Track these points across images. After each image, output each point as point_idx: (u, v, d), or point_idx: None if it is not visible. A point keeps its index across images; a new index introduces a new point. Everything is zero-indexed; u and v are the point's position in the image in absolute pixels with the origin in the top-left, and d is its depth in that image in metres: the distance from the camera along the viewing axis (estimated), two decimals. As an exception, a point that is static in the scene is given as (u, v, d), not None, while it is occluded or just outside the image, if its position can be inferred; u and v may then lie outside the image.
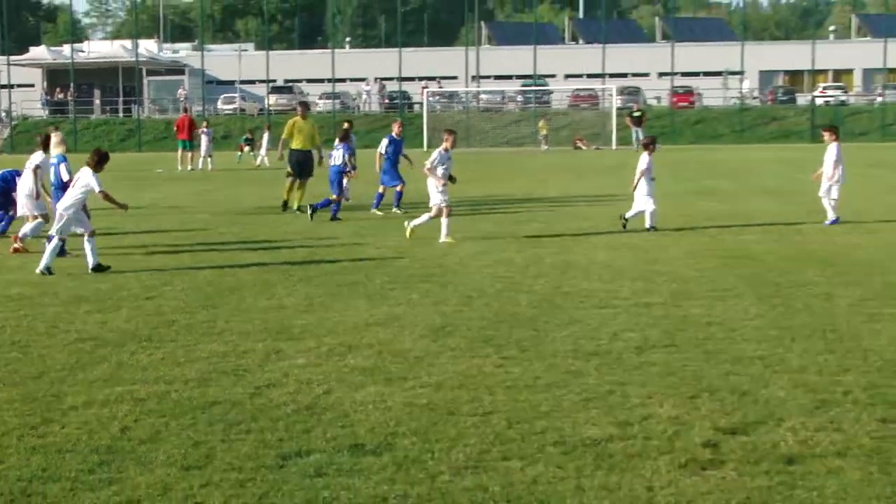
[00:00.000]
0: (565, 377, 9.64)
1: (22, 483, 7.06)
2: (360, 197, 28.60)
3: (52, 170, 18.06)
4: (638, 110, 69.79)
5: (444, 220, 19.88)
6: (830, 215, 22.10)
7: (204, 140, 49.86)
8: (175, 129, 49.83)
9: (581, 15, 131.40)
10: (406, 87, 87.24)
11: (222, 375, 9.88)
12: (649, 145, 22.47)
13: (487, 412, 8.57)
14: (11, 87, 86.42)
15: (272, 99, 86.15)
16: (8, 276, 16.32)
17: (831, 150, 22.56)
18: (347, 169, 24.86)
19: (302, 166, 26.31)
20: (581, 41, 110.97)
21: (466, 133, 73.34)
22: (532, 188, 33.77)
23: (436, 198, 19.94)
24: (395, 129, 26.90)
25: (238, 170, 48.75)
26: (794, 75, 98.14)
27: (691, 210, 24.51)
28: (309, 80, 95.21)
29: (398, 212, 25.13)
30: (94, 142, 73.81)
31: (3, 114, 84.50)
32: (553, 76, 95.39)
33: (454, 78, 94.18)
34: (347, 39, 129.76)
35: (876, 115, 78.63)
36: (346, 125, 27.18)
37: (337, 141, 25.67)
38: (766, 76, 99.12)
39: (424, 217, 20.24)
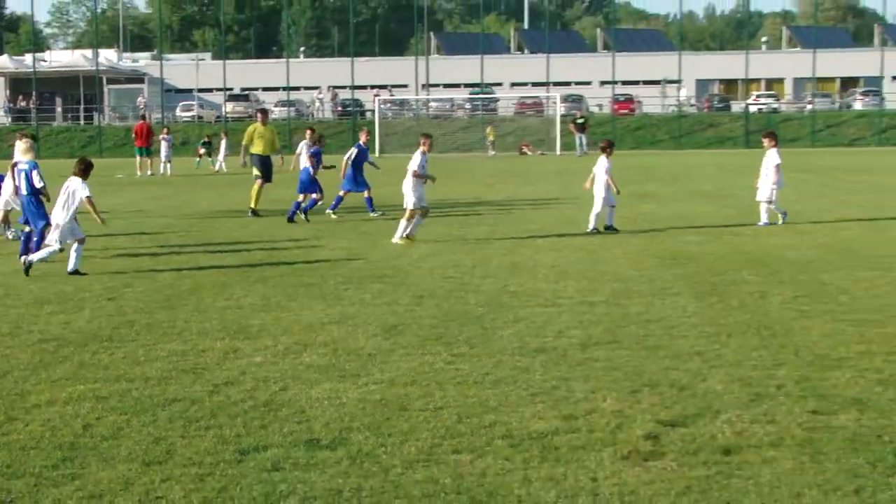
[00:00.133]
0: (512, 373, 9.65)
1: (-14, 479, 6.99)
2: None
3: (22, 175, 17.74)
4: (581, 117, 70.01)
5: (403, 223, 19.88)
6: (770, 217, 22.29)
7: (164, 146, 49.53)
8: (133, 135, 49.40)
9: (526, 26, 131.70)
10: (358, 94, 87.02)
11: (182, 373, 9.82)
12: (606, 149, 22.46)
13: (438, 407, 8.57)
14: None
15: (229, 106, 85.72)
16: (-28, 278, 16.14)
17: (772, 155, 22.70)
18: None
19: (262, 170, 26.24)
20: (526, 51, 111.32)
21: (417, 139, 73.24)
22: (480, 192, 33.79)
23: (409, 201, 19.90)
24: (363, 137, 26.91)
25: (196, 175, 48.46)
26: (729, 84, 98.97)
27: (632, 213, 24.59)
28: (265, 89, 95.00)
29: (375, 215, 25.11)
30: (57, 149, 73.33)
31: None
32: (499, 84, 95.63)
33: (405, 86, 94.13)
34: (302, 49, 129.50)
35: (806, 122, 79.32)
36: (309, 131, 27.44)
37: (312, 144, 26.02)
38: (703, 85, 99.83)
39: (415, 221, 20.14)
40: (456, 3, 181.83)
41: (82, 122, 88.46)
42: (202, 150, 56.26)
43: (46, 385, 9.45)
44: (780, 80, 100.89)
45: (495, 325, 11.98)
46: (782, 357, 10.17)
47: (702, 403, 8.58)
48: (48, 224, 17.39)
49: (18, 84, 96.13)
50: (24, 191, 17.61)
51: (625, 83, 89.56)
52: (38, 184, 17.50)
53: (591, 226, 21.28)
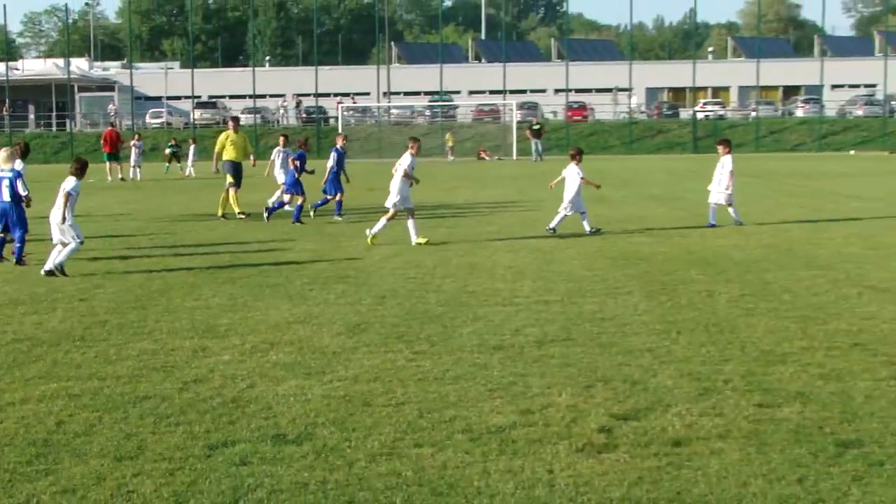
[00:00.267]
0: (472, 370, 9.65)
1: (-38, 476, 6.92)
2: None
3: (5, 183, 17.52)
4: (537, 124, 70.18)
5: (383, 220, 19.95)
6: (711, 217, 22.49)
7: (134, 152, 49.26)
8: (102, 142, 49.03)
9: (483, 36, 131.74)
10: (322, 102, 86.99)
11: (152, 372, 9.76)
12: (576, 156, 22.50)
13: (400, 403, 8.56)
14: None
15: (197, 113, 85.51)
16: (-53, 280, 15.98)
17: (726, 161, 22.87)
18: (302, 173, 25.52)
19: (235, 176, 26.08)
20: (483, 60, 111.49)
21: (378, 145, 73.33)
22: (440, 196, 33.78)
23: (393, 200, 19.90)
24: (340, 142, 26.89)
25: (165, 180, 48.20)
26: (677, 92, 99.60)
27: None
28: (231, 96, 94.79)
29: (339, 219, 25.06)
30: (30, 155, 72.45)
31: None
32: (458, 92, 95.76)
33: (367, 94, 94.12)
34: (267, 58, 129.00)
35: (751, 128, 79.93)
36: (283, 137, 28.60)
37: (296, 148, 26.51)
38: (652, 92, 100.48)
39: (410, 224, 20.11)
40: (416, 15, 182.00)
41: (55, 128, 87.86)
42: (167, 151, 56.05)
43: (20, 383, 9.36)
44: (726, 89, 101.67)
45: (455, 323, 11.98)
46: (729, 353, 10.23)
47: (653, 398, 8.61)
48: (27, 231, 17.34)
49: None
50: (6, 198, 17.41)
51: (578, 91, 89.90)
52: (22, 192, 17.38)
53: (552, 224, 21.33)
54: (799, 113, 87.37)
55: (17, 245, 17.38)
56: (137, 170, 48.73)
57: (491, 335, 11.23)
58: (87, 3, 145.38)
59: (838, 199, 30.27)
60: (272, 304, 13.46)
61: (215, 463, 7.12)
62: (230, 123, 27.50)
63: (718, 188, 22.87)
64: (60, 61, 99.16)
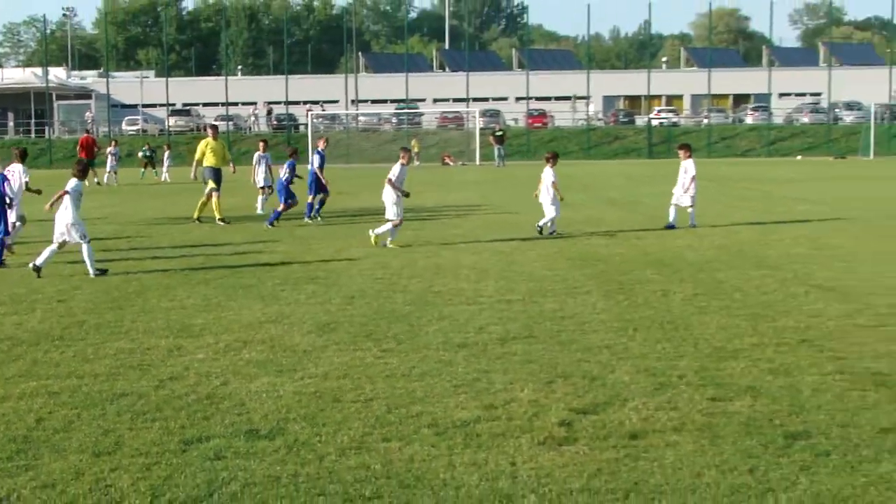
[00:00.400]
0: (437, 366, 9.65)
1: (-56, 472, 6.85)
2: (251, 208, 28.44)
3: None
4: (500, 130, 70.29)
5: (393, 229, 19.86)
6: (671, 217, 22.65)
7: (110, 157, 48.94)
8: (78, 148, 48.65)
9: (447, 46, 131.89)
10: (292, 110, 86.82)
11: (129, 370, 9.70)
12: (551, 160, 22.52)
13: (369, 399, 8.54)
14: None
15: (172, 121, 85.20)
16: (-72, 282, 15.82)
17: (688, 166, 23.01)
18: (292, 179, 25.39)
19: (216, 182, 25.91)
20: (447, 69, 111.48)
21: (347, 151, 73.27)
22: (406, 200, 33.64)
23: (392, 211, 19.84)
24: (321, 145, 26.79)
25: (141, 185, 47.91)
26: (633, 100, 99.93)
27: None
28: (205, 104, 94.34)
29: (309, 221, 25.00)
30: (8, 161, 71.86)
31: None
32: (423, 100, 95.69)
33: (335, 102, 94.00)
34: (239, 67, 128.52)
35: (703, 135, 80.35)
36: (262, 143, 29.06)
37: (288, 157, 26.21)
38: (609, 100, 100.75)
39: (387, 226, 20.06)
40: (382, 26, 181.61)
41: (33, 135, 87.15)
42: (140, 155, 55.76)
43: (0, 382, 9.28)
44: (679, 97, 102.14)
45: (421, 322, 11.97)
46: (683, 349, 10.27)
47: (611, 392, 8.63)
48: (7, 234, 17.23)
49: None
50: None
51: (538, 99, 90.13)
52: (10, 194, 17.32)
53: (550, 229, 21.36)
54: (748, 120, 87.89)
55: None
56: (114, 175, 48.44)
57: (456, 333, 11.23)
58: (64, 14, 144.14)
59: (786, 202, 30.48)
60: (245, 304, 13.41)
61: (190, 457, 7.09)
62: (209, 131, 27.33)
63: (681, 191, 23.03)
64: (39, 70, 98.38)
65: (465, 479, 6.61)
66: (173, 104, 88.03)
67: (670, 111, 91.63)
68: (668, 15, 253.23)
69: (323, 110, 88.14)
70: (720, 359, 9.81)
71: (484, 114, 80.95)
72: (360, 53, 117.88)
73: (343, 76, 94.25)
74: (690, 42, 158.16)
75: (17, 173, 19.86)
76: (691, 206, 22.91)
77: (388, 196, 20.02)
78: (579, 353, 10.16)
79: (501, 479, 6.59)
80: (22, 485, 6.60)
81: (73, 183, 16.40)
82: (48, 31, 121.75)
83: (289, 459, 7.02)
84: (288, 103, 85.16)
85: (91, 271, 16.04)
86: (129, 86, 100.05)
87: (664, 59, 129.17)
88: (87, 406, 8.44)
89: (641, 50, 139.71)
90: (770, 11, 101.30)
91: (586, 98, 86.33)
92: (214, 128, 27.95)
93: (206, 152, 25.96)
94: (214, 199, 25.53)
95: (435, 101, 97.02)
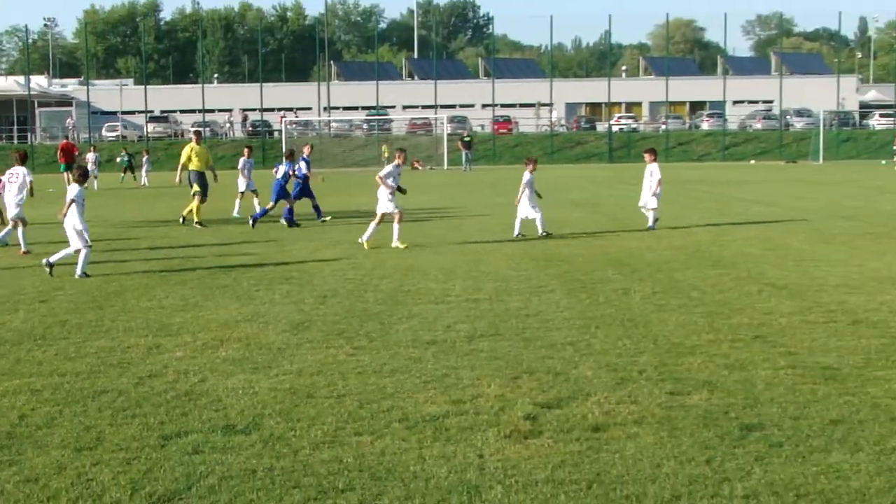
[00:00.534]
0: (407, 363, 9.64)
1: (-71, 468, 6.78)
2: (228, 211, 28.33)
3: None
4: (468, 136, 70.33)
5: (395, 227, 19.87)
6: (651, 222, 22.67)
7: (91, 164, 48.64)
8: (59, 153, 48.31)
9: (416, 55, 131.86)
10: (267, 116, 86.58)
11: (109, 368, 9.63)
12: (529, 164, 22.52)
13: (341, 395, 8.52)
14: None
15: (150, 127, 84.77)
16: (-87, 284, 15.66)
17: (654, 169, 23.04)
18: (288, 178, 25.56)
19: (201, 185, 25.77)
20: (416, 77, 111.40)
21: (320, 156, 72.83)
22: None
23: (386, 206, 19.83)
24: (307, 151, 26.77)
25: (121, 189, 47.63)
26: (594, 106, 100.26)
27: (512, 220, 24.68)
28: (182, 111, 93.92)
29: (284, 223, 24.92)
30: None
31: None
32: (393, 107, 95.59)
33: (309, 108, 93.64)
34: (215, 76, 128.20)
35: (661, 140, 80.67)
36: (247, 149, 29.48)
37: (283, 159, 26.51)
38: (571, 107, 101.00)
39: (372, 226, 20.02)
40: (353, 35, 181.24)
41: (16, 141, 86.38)
42: (119, 160, 55.55)
43: (-16, 380, 9.21)
44: (638, 104, 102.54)
45: (391, 320, 11.95)
46: (643, 346, 10.30)
47: (574, 387, 8.64)
48: None
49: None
50: None
51: (503, 106, 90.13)
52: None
53: (539, 230, 21.32)
54: (704, 126, 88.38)
55: None
56: (95, 180, 48.12)
57: (425, 331, 11.22)
58: (46, 24, 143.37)
59: (740, 204, 30.65)
60: (221, 303, 13.35)
61: (169, 452, 7.05)
62: (193, 137, 27.23)
63: (647, 193, 23.08)
64: (21, 78, 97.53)
65: (434, 471, 6.61)
66: (152, 111, 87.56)
67: (630, 118, 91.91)
68: (627, 26, 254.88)
69: (296, 117, 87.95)
70: (678, 354, 9.85)
71: (451, 120, 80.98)
72: (332, 62, 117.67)
73: (316, 84, 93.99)
74: (649, 51, 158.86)
75: (20, 175, 20.00)
76: (655, 207, 22.93)
77: (382, 192, 20.07)
78: (544, 349, 10.17)
79: (469, 471, 6.59)
80: (6, 479, 6.54)
81: (75, 190, 16.31)
82: (30, 41, 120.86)
83: (264, 453, 7.00)
84: (262, 110, 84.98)
85: (78, 272, 15.93)
86: (109, 93, 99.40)
87: (624, 67, 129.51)
88: (69, 403, 8.38)
89: (602, 59, 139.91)
90: (724, 22, 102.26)
91: (549, 105, 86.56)
92: (198, 133, 27.84)
93: (192, 157, 25.87)
94: (196, 203, 25.41)
95: (404, 107, 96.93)
